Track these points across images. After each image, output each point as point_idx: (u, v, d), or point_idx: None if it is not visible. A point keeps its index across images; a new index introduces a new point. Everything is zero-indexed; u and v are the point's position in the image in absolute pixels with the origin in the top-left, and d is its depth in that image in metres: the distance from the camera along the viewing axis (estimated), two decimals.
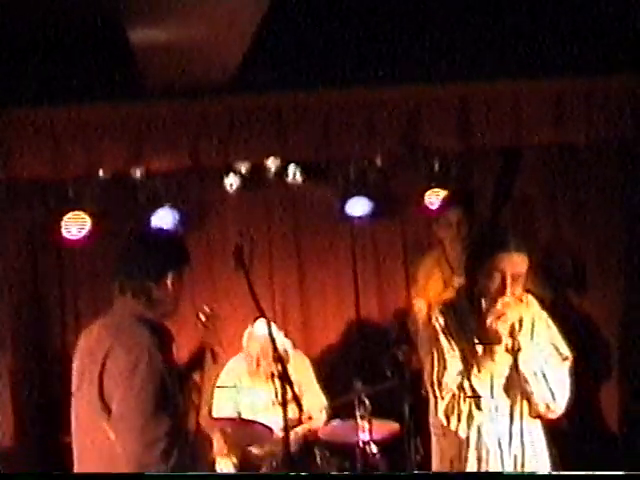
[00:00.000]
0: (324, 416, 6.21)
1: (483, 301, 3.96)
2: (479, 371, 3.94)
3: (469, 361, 3.98)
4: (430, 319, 4.15)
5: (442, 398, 3.99)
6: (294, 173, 6.72)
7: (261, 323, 5.88)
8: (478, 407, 3.95)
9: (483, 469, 3.98)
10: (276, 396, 5.89)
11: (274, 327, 6.12)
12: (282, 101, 5.85)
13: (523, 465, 4.01)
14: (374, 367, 6.18)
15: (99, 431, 3.51)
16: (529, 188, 6.82)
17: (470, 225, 6.11)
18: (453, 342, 4.01)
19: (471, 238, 5.84)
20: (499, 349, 3.92)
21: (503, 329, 3.90)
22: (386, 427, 5.73)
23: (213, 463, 5.20)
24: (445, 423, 3.99)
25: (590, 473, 3.11)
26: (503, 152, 6.55)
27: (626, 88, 6.00)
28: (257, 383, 6.18)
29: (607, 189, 6.66)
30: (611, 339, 6.69)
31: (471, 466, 4.01)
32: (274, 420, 5.67)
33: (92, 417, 3.54)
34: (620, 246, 6.72)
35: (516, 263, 3.93)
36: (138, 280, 3.61)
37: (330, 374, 6.52)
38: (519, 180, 6.72)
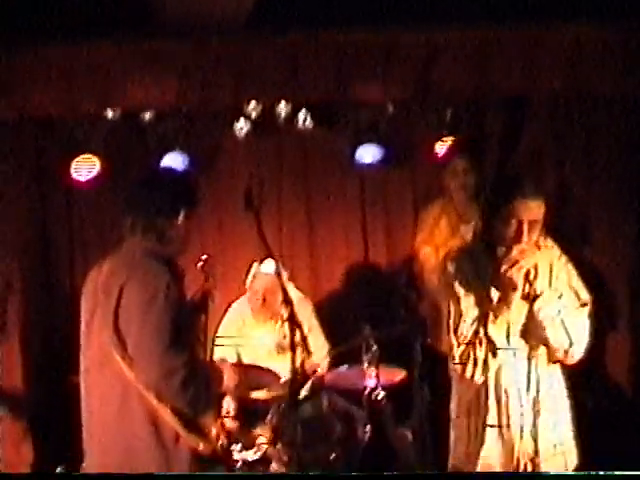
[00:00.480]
0: (328, 362, 6.23)
1: (498, 248, 3.94)
2: (495, 318, 3.93)
3: (485, 308, 3.96)
4: (441, 265, 4.13)
5: (458, 345, 3.98)
6: (305, 119, 6.68)
7: (268, 263, 5.88)
8: (494, 354, 3.94)
9: (503, 413, 3.98)
10: (284, 339, 5.97)
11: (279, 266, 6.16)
12: (295, 42, 5.80)
13: (540, 410, 4.00)
14: (382, 313, 6.19)
15: (110, 368, 3.52)
16: (539, 137, 6.76)
17: (477, 173, 6.08)
18: (469, 289, 3.99)
19: (486, 184, 5.81)
20: (515, 296, 3.90)
21: (518, 276, 3.88)
22: (393, 373, 5.74)
23: (222, 398, 5.22)
24: (460, 370, 3.98)
25: (592, 473, 3.10)
26: (515, 100, 6.50)
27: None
28: (261, 323, 6.20)
29: (619, 140, 6.61)
30: (620, 289, 6.69)
31: (490, 411, 4.00)
32: (280, 365, 5.69)
33: (104, 353, 3.54)
34: (631, 196, 6.69)
35: (532, 210, 3.91)
36: (150, 218, 3.60)
37: (337, 319, 6.53)
38: (529, 129, 6.67)
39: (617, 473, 2.91)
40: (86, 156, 6.49)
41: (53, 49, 5.67)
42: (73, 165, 6.45)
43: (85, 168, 6.49)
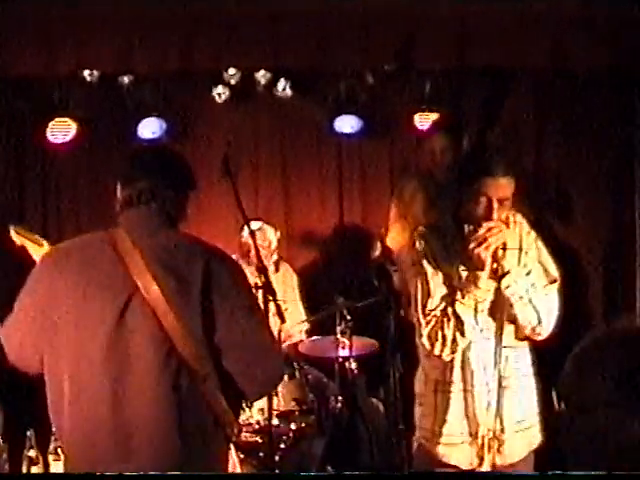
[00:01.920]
0: (304, 331, 6.24)
1: (466, 226, 3.93)
2: (463, 297, 3.91)
3: (453, 286, 3.96)
4: (410, 242, 4.11)
5: (426, 323, 3.97)
6: (284, 87, 6.64)
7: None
8: (462, 333, 3.93)
9: (468, 390, 3.99)
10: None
11: (269, 230, 6.15)
12: (277, 8, 5.76)
13: (507, 387, 4.01)
14: (356, 283, 6.20)
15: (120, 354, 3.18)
16: (519, 113, 6.76)
17: (457, 152, 6.08)
18: (437, 266, 3.98)
19: (458, 161, 5.81)
20: (483, 274, 3.88)
21: (486, 255, 3.86)
22: (366, 344, 5.76)
23: None
24: (429, 347, 3.98)
25: (590, 473, 3.11)
26: (496, 75, 6.49)
27: (623, 14, 5.93)
28: None
29: (598, 117, 6.62)
30: (593, 267, 6.72)
31: (456, 388, 4.02)
32: None
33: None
34: (606, 174, 6.71)
35: (502, 187, 3.87)
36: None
37: (312, 288, 6.53)
38: (509, 104, 6.67)
39: (618, 473, 2.92)
40: (62, 119, 6.46)
41: (30, 8, 5.60)
42: (49, 128, 6.43)
43: (61, 131, 6.46)
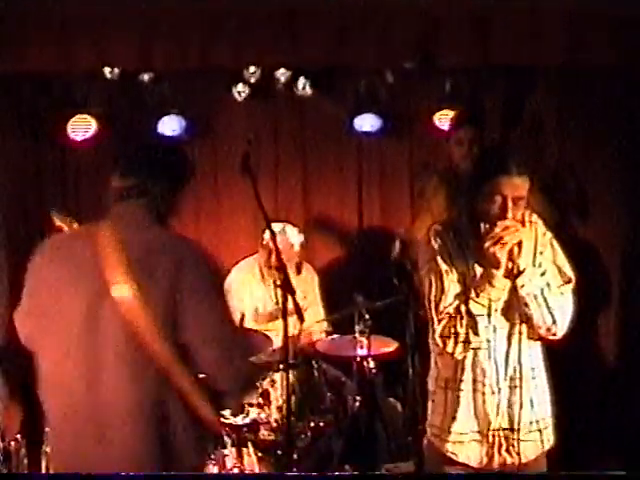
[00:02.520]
0: (324, 330, 6.24)
1: (482, 224, 3.92)
2: (477, 295, 3.90)
3: (467, 284, 3.94)
4: (425, 240, 4.10)
5: (439, 321, 3.96)
6: (304, 85, 6.64)
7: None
8: (475, 332, 3.92)
9: (479, 390, 3.98)
10: (277, 304, 5.98)
11: (291, 232, 6.14)
12: (297, 6, 5.75)
13: (519, 387, 4.00)
14: (376, 283, 6.18)
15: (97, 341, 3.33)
16: (539, 111, 6.73)
17: (478, 145, 6.06)
18: (452, 264, 3.97)
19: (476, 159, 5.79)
20: (498, 273, 3.87)
21: (501, 254, 3.84)
22: (385, 344, 5.75)
23: None
24: (441, 345, 3.97)
25: (591, 473, 3.09)
26: (517, 72, 6.47)
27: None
28: (263, 288, 6.21)
29: (620, 115, 6.58)
30: (612, 266, 6.68)
31: (466, 387, 4.01)
32: (274, 331, 5.70)
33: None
34: (628, 174, 6.67)
35: (517, 186, 3.86)
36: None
37: (331, 288, 6.52)
38: (529, 102, 6.64)
39: (618, 473, 2.91)
40: (82, 116, 6.51)
41: (51, 4, 5.62)
42: (70, 124, 6.48)
43: (81, 128, 6.50)
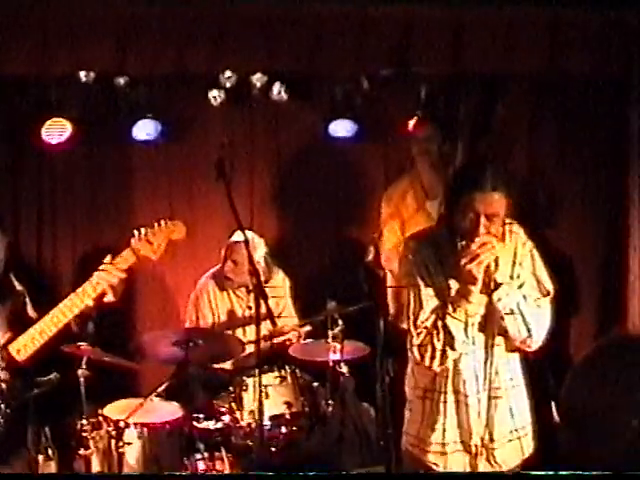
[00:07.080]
0: (297, 335, 6.25)
1: (458, 241, 3.91)
2: (454, 310, 3.90)
3: (445, 299, 3.95)
4: (402, 254, 4.10)
5: (417, 335, 3.98)
6: (279, 90, 6.65)
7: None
8: (452, 347, 3.93)
9: (462, 400, 4.00)
10: (249, 309, 6.00)
11: (258, 241, 6.15)
12: (272, 13, 5.77)
13: (498, 397, 4.02)
14: (349, 288, 6.20)
15: None
16: (513, 119, 6.77)
17: (441, 140, 6.12)
18: (430, 279, 3.97)
19: (451, 174, 5.82)
20: (474, 289, 3.87)
21: (477, 270, 3.83)
22: (357, 349, 5.76)
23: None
24: (419, 358, 3.99)
25: (591, 473, 3.10)
26: (490, 81, 6.51)
27: (616, 20, 5.95)
28: (232, 294, 6.22)
29: (591, 125, 6.63)
30: (586, 276, 6.72)
31: (446, 398, 4.03)
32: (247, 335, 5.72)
33: None
34: (600, 183, 6.72)
35: (492, 203, 3.83)
36: None
37: (305, 293, 6.53)
38: (503, 110, 6.68)
39: (618, 473, 2.91)
40: (58, 119, 6.47)
41: (26, 8, 5.61)
42: (44, 128, 6.44)
43: (56, 131, 6.47)
